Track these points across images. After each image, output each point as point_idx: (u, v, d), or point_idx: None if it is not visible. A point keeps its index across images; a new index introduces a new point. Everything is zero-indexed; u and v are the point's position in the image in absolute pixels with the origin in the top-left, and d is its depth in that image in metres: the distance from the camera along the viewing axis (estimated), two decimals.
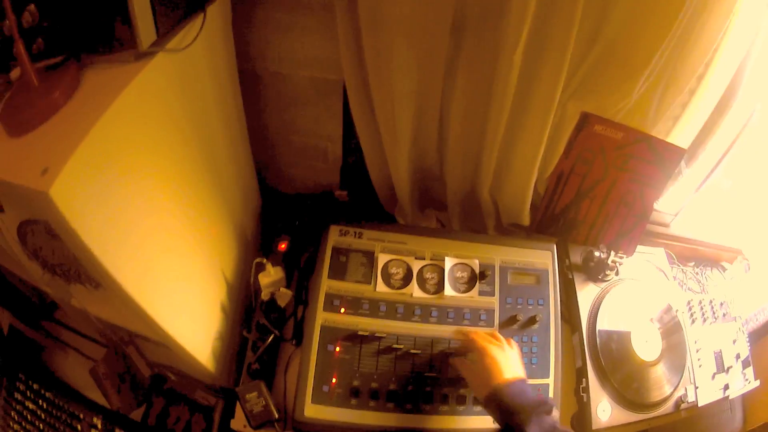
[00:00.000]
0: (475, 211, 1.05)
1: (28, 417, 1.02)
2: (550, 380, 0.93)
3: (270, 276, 0.97)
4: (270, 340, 0.96)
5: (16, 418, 1.03)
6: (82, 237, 0.54)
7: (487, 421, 0.89)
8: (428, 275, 0.95)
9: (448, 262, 0.95)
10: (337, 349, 0.90)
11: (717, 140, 1.07)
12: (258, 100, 0.97)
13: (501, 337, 0.86)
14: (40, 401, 1.03)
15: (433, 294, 0.94)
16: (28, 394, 1.03)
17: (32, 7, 0.58)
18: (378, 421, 0.87)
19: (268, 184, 1.09)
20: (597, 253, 0.99)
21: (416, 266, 0.95)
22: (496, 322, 0.94)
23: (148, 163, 0.67)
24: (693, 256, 1.15)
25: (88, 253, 0.56)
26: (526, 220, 1.02)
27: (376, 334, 0.90)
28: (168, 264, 0.77)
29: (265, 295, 0.98)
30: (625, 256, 1.00)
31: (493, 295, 0.95)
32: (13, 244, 0.69)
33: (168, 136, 0.71)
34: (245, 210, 1.02)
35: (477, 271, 0.95)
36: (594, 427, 0.93)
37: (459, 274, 0.95)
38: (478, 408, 0.89)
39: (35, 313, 1.10)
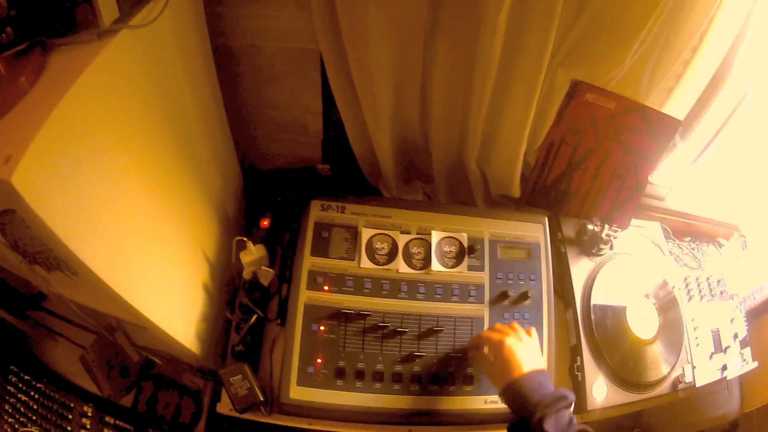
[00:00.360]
0: (463, 183, 0.99)
1: (22, 409, 0.98)
2: (543, 358, 0.87)
3: (251, 254, 0.92)
4: (253, 320, 0.90)
5: (10, 411, 0.99)
6: (48, 223, 0.52)
7: (478, 402, 0.84)
8: (414, 250, 0.89)
9: (435, 236, 0.90)
10: (322, 328, 0.85)
11: (713, 113, 1.03)
12: (233, 75, 0.92)
13: (519, 327, 0.80)
14: (33, 393, 0.99)
15: (419, 270, 0.88)
16: (21, 387, 1.00)
17: None
18: (365, 402, 0.82)
19: (249, 161, 1.04)
20: (591, 227, 0.94)
21: (402, 241, 0.89)
22: (486, 298, 0.88)
23: (116, 144, 0.63)
24: (689, 231, 1.10)
25: (56, 239, 0.54)
26: (516, 192, 0.96)
27: (362, 312, 0.85)
28: (143, 246, 0.72)
29: (246, 274, 0.92)
30: (619, 229, 0.95)
31: (483, 270, 0.89)
32: None
33: (136, 114, 0.68)
34: (225, 188, 0.97)
35: (465, 245, 0.90)
36: (589, 407, 0.88)
37: (447, 249, 0.90)
38: (469, 387, 0.84)
39: (23, 304, 1.06)
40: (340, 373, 0.83)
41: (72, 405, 0.97)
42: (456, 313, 0.87)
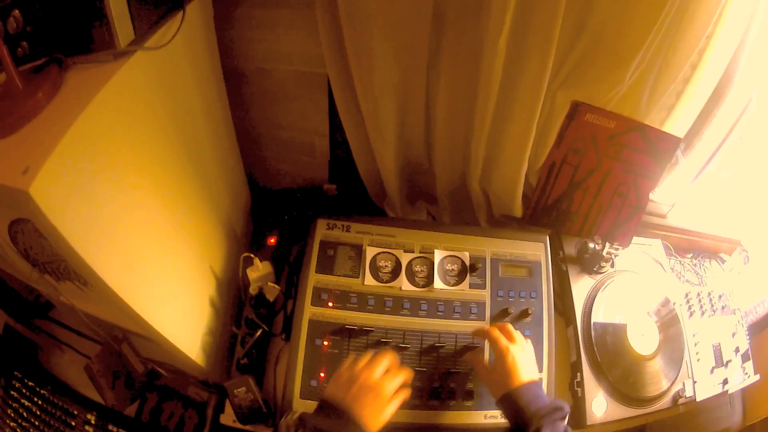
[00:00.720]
0: (466, 203, 1.00)
1: (24, 415, 0.99)
2: (543, 374, 0.87)
3: (258, 270, 0.93)
4: (258, 334, 0.92)
5: (12, 416, 1.00)
6: (63, 234, 0.53)
7: (478, 417, 0.85)
8: (417, 268, 0.90)
9: (438, 255, 0.90)
10: (326, 343, 0.86)
11: (713, 129, 1.01)
12: (243, 96, 0.93)
13: (516, 333, 0.80)
14: (36, 399, 1.00)
15: (422, 287, 0.89)
16: (25, 392, 1.01)
17: (17, 12, 0.58)
18: None
19: (257, 180, 1.05)
20: (592, 245, 0.93)
21: (405, 259, 0.90)
22: (488, 315, 0.89)
23: (130, 160, 0.65)
24: (691, 248, 1.09)
25: (70, 249, 0.55)
26: (518, 212, 0.96)
27: (365, 328, 0.85)
28: (153, 260, 0.74)
29: (253, 290, 0.93)
30: (620, 247, 0.95)
31: (484, 288, 0.90)
32: (4, 244, 0.67)
33: (150, 132, 0.69)
34: (234, 206, 0.98)
35: (467, 263, 0.90)
36: (589, 422, 0.88)
37: (449, 267, 0.90)
38: (469, 403, 0.85)
39: (30, 312, 1.07)
40: None
41: (75, 412, 0.98)
42: (457, 329, 0.87)
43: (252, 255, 0.93)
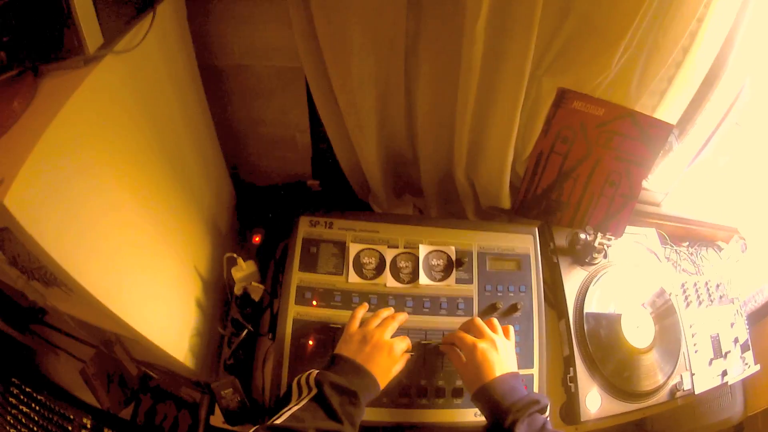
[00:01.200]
0: (453, 195, 0.94)
1: (23, 420, 0.96)
2: (534, 370, 0.82)
3: (242, 270, 0.89)
4: (243, 335, 0.87)
5: (12, 422, 0.97)
6: (40, 242, 0.52)
7: (467, 414, 0.80)
8: (402, 264, 0.85)
9: (423, 250, 0.85)
10: (311, 342, 0.81)
11: (707, 115, 0.96)
12: (223, 93, 0.89)
13: (497, 326, 0.76)
14: (34, 404, 0.97)
15: (407, 283, 0.84)
16: (22, 398, 0.98)
17: None
18: None
19: (241, 177, 1.00)
20: (583, 236, 0.88)
21: (389, 255, 0.85)
22: (475, 310, 0.83)
23: (106, 164, 0.62)
24: (687, 236, 1.03)
25: (47, 257, 0.54)
26: (506, 203, 0.91)
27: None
28: (135, 262, 0.71)
29: (237, 290, 0.89)
30: (613, 238, 0.89)
31: (471, 283, 0.84)
32: None
33: (126, 134, 0.67)
34: (217, 204, 0.94)
35: (453, 258, 0.85)
36: (583, 418, 0.83)
37: (434, 262, 0.85)
38: (458, 401, 0.80)
39: (25, 318, 1.04)
40: None
41: (72, 417, 0.95)
42: (444, 326, 0.82)
43: (235, 255, 0.88)
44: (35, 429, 0.95)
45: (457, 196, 0.93)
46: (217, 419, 0.87)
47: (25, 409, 0.96)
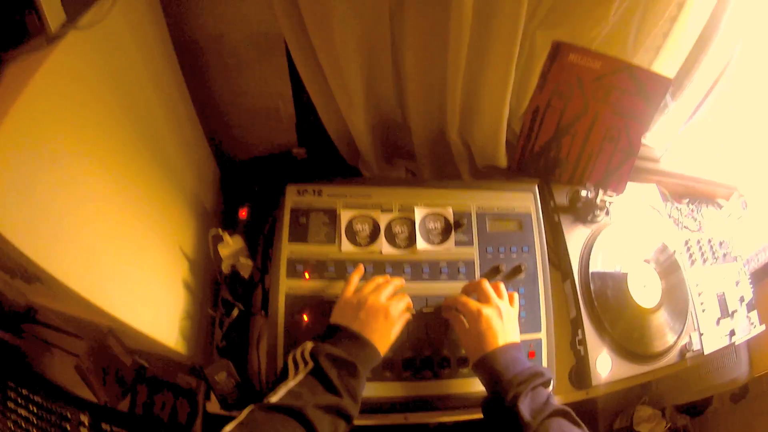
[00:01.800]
0: (447, 156, 0.86)
1: (23, 424, 0.88)
2: (542, 334, 0.75)
3: (229, 246, 0.80)
4: (234, 315, 0.78)
5: (12, 427, 0.89)
6: (8, 237, 0.46)
7: (475, 384, 0.72)
8: (397, 229, 0.76)
9: (419, 213, 0.77)
10: (305, 318, 0.73)
11: (703, 71, 0.88)
12: (200, 66, 0.80)
13: (503, 291, 0.68)
14: (31, 406, 0.89)
15: (404, 249, 0.76)
16: (20, 402, 0.89)
17: None
18: None
19: (225, 153, 0.91)
20: (584, 193, 0.80)
21: (383, 220, 0.76)
22: (477, 274, 0.75)
23: (75, 149, 0.56)
24: (686, 193, 0.96)
25: (17, 251, 0.48)
26: (502, 161, 0.83)
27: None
28: (116, 251, 0.63)
29: (225, 268, 0.80)
30: (615, 194, 0.81)
31: (472, 245, 0.76)
32: None
33: (94, 116, 0.60)
34: (200, 182, 0.85)
35: (451, 220, 0.77)
36: (594, 382, 0.75)
37: (431, 225, 0.77)
38: (464, 370, 0.72)
39: (16, 319, 0.95)
40: None
41: (69, 415, 0.87)
42: (446, 292, 0.74)
43: (220, 231, 0.79)
44: (34, 430, 0.87)
45: (451, 158, 0.85)
46: (214, 406, 0.79)
47: (24, 413, 0.88)
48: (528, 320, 0.74)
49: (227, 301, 0.80)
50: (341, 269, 0.74)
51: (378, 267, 0.74)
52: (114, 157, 0.63)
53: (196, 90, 0.81)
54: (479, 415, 0.70)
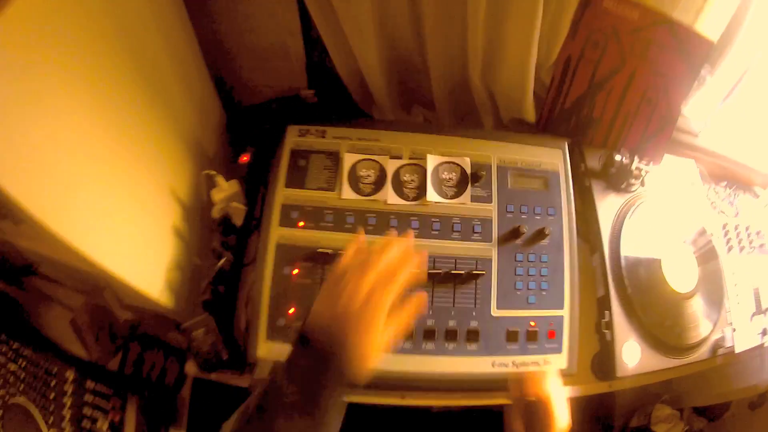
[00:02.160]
0: (469, 106, 0.75)
1: (11, 380, 0.79)
2: (564, 311, 0.63)
3: (223, 191, 0.68)
4: (220, 264, 0.67)
5: (0, 382, 0.80)
6: None
7: (484, 364, 0.60)
8: (407, 177, 0.65)
9: (432, 161, 0.65)
10: (295, 271, 0.61)
11: (740, 47, 0.77)
12: (204, 3, 0.69)
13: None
14: (21, 361, 0.80)
15: (412, 200, 0.64)
16: (10, 356, 0.81)
17: None
18: None
19: (233, 96, 0.80)
20: (619, 157, 0.68)
21: (391, 167, 0.65)
22: (494, 235, 0.63)
23: (62, 80, 0.48)
24: (724, 176, 0.84)
25: None
26: (530, 115, 0.71)
27: (340, 250, 0.60)
28: (98, 187, 0.54)
29: (216, 213, 0.69)
30: (651, 163, 0.70)
31: (490, 202, 0.65)
32: None
33: (87, 38, 0.51)
34: (202, 124, 0.75)
35: (468, 171, 0.65)
36: (619, 373, 0.63)
37: (445, 176, 0.65)
38: (473, 346, 0.60)
39: (17, 271, 0.86)
40: None
41: (55, 370, 0.78)
42: (457, 252, 0.62)
43: (214, 173, 0.68)
44: (22, 387, 0.77)
45: (474, 108, 0.73)
46: (192, 367, 0.67)
47: (12, 367, 0.79)
48: (550, 294, 0.62)
49: (217, 251, 0.68)
50: (340, 219, 0.63)
51: (382, 219, 0.63)
52: (105, 86, 0.53)
53: (200, 25, 0.70)
54: (489, 401, 0.58)
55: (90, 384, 0.76)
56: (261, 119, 0.77)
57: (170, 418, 0.74)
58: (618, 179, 0.69)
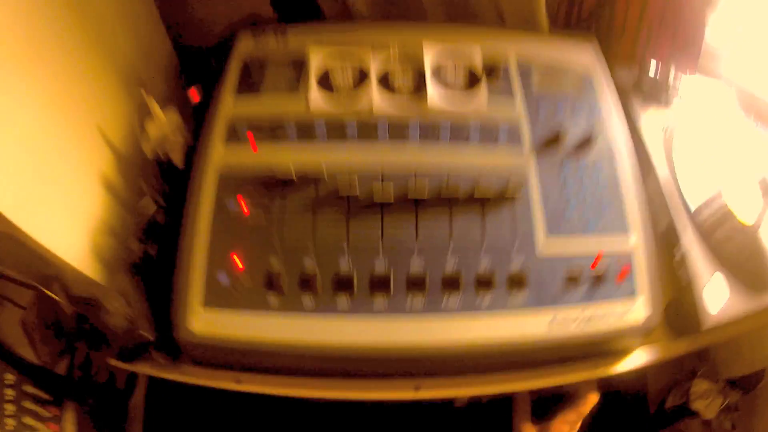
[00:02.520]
0: (468, 15, 0.58)
1: None
2: (634, 238, 0.43)
3: (160, 122, 0.47)
4: (151, 215, 0.45)
5: None
6: None
7: (539, 322, 0.39)
8: (397, 75, 0.46)
9: (430, 52, 0.47)
10: (245, 207, 0.40)
11: None
12: None
13: None
14: None
15: (407, 102, 0.44)
16: None
17: None
18: (319, 335, 0.37)
19: (186, 42, 0.62)
20: (654, 65, 0.53)
21: (376, 62, 0.46)
22: (527, 143, 0.44)
23: None
24: (749, 110, 0.71)
25: None
26: (543, 25, 0.56)
27: (309, 175, 0.40)
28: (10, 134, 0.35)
29: (150, 152, 0.47)
30: (687, 72, 0.56)
31: (513, 105, 0.46)
32: None
33: None
34: (148, 67, 0.55)
35: (479, 67, 0.47)
36: (704, 325, 0.44)
37: (450, 73, 0.46)
38: (518, 297, 0.40)
39: None
40: (274, 282, 0.38)
41: None
42: (479, 162, 0.43)
43: (145, 94, 0.47)
44: None
45: (474, 18, 0.57)
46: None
47: None
48: (610, 213, 0.43)
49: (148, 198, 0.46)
50: (307, 131, 0.42)
51: (365, 130, 0.43)
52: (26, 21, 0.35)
53: None
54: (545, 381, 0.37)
55: (29, 388, 0.58)
56: (217, 57, 0.59)
57: (119, 428, 0.60)
58: (653, 92, 0.54)
